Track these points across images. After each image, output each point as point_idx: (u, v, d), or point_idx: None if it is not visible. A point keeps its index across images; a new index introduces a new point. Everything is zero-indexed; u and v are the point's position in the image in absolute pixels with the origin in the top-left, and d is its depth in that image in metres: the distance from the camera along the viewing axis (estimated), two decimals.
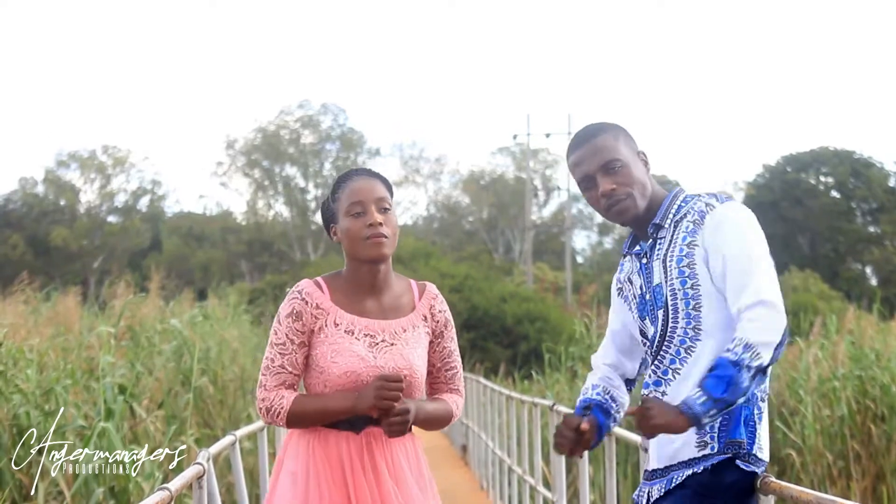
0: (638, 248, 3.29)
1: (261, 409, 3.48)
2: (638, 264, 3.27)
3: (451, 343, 3.65)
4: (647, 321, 3.23)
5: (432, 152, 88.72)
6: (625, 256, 3.37)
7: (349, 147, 61.83)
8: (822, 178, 56.73)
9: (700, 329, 3.10)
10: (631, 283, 3.30)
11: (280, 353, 3.47)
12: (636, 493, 3.30)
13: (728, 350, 2.92)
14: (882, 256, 53.64)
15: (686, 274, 3.12)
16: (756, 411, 3.08)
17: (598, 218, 65.39)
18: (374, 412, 3.41)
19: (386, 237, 3.49)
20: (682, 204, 3.21)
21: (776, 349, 2.92)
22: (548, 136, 48.75)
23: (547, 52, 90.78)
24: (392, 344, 3.48)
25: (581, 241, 67.87)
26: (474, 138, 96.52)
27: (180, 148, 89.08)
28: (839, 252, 54.69)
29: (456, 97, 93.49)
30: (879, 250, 54.10)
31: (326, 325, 3.47)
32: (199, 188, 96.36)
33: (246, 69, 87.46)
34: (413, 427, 3.54)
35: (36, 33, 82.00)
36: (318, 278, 3.56)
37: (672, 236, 3.19)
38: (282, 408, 3.44)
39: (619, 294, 3.38)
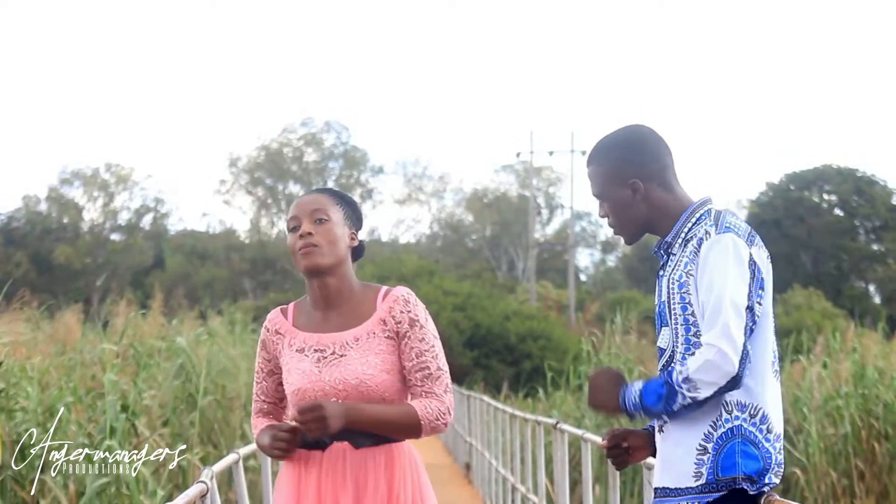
0: (662, 256, 3.25)
1: None
2: (657, 273, 3.27)
3: (421, 343, 3.37)
4: (659, 335, 3.23)
5: (435, 170, 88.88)
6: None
7: (352, 165, 61.95)
8: (826, 196, 56.73)
9: None
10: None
11: (256, 382, 3.56)
12: None
13: (676, 370, 3.03)
14: (885, 274, 53.59)
15: (686, 300, 3.12)
16: (753, 438, 3.06)
17: (602, 236, 65.46)
18: (275, 453, 3.38)
19: (316, 245, 3.36)
20: (695, 224, 3.18)
21: (718, 391, 2.99)
22: (551, 153, 48.82)
23: (550, 70, 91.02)
24: (342, 356, 3.35)
25: (584, 259, 67.90)
26: (478, 156, 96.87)
27: (183, 166, 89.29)
28: (842, 270, 54.66)
29: (459, 115, 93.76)
30: (883, 268, 54.05)
31: (283, 349, 3.45)
32: (202, 206, 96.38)
33: (249, 87, 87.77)
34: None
35: (39, 52, 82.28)
36: (291, 303, 3.53)
37: (679, 257, 3.17)
38: (255, 435, 3.53)
39: None
